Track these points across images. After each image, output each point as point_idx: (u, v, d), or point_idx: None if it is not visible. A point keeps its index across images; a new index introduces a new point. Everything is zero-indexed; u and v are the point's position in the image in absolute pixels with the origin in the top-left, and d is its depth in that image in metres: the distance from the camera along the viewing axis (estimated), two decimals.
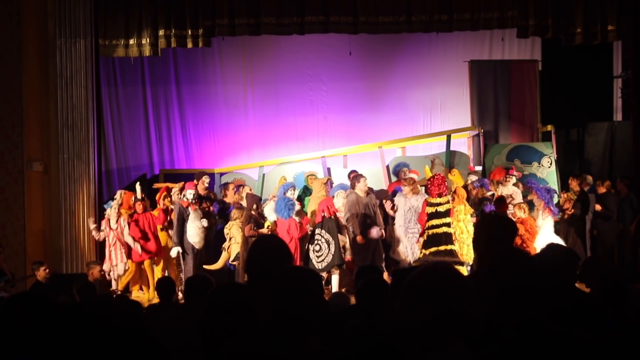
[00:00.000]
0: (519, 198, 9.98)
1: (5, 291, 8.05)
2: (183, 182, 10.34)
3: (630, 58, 11.40)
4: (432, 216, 9.07)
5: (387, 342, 2.15)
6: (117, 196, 9.93)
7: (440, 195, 9.11)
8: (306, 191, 11.08)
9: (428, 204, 9.16)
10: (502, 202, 9.48)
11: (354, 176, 9.71)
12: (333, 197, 9.71)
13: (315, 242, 9.17)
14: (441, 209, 9.06)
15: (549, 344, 2.12)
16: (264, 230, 9.25)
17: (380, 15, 11.15)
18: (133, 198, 9.88)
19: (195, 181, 9.87)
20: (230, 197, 10.32)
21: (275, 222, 9.36)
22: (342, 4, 11.10)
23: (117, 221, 9.64)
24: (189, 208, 9.42)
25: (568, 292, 2.92)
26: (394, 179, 11.48)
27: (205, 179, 10.02)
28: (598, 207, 10.37)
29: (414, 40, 13.41)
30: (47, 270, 8.29)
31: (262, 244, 3.31)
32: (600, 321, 2.86)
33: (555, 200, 10.42)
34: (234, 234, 9.53)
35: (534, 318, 2.17)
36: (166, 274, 9.75)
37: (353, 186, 9.50)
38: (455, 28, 11.32)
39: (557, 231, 10.48)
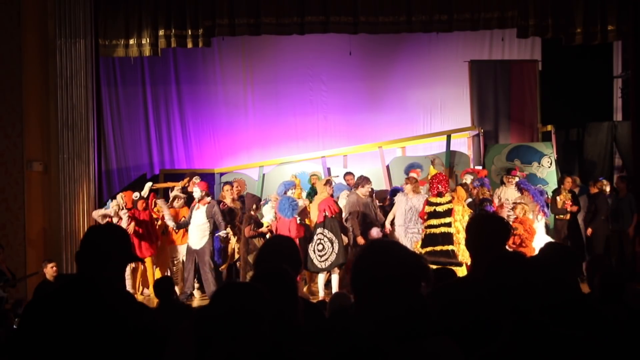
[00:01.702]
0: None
1: (5, 291, 8.04)
2: (187, 179, 10.34)
3: (630, 58, 11.39)
4: (430, 216, 9.04)
5: (364, 340, 2.14)
6: (119, 199, 9.90)
7: (439, 195, 9.09)
8: (312, 191, 11.09)
9: (428, 203, 9.14)
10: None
11: (360, 178, 9.73)
12: (335, 197, 9.73)
13: (318, 241, 9.17)
14: (440, 209, 9.02)
15: (548, 345, 2.12)
16: (264, 230, 9.26)
17: (380, 15, 11.14)
18: (136, 195, 9.89)
19: (187, 182, 9.87)
20: (228, 199, 10.32)
21: (274, 222, 9.36)
22: (342, 4, 11.10)
23: (118, 221, 9.64)
24: (194, 207, 9.44)
25: (566, 292, 2.91)
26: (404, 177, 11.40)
27: (196, 180, 10.03)
28: (589, 231, 10.42)
29: (414, 40, 13.41)
30: (55, 268, 8.24)
31: (272, 244, 3.34)
32: (597, 321, 2.86)
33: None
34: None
35: (532, 318, 2.17)
36: (167, 274, 9.76)
37: (357, 187, 9.53)
38: (455, 28, 11.31)
39: (558, 232, 10.50)
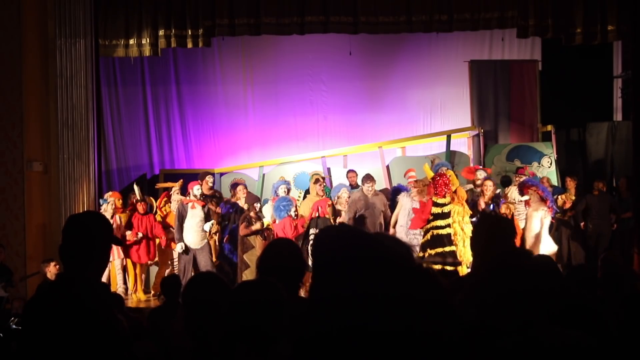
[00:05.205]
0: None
1: (5, 291, 8.03)
2: (182, 180, 10.35)
3: (630, 58, 11.39)
4: (437, 217, 8.98)
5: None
6: (109, 199, 9.93)
7: (444, 196, 9.08)
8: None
9: (434, 204, 9.08)
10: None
11: (364, 176, 9.81)
12: (330, 197, 9.78)
13: None
14: (446, 209, 9.02)
15: (548, 347, 2.12)
16: (258, 228, 9.23)
17: (380, 15, 11.15)
18: (134, 199, 9.89)
19: (199, 181, 9.90)
20: (242, 199, 10.31)
21: (273, 221, 9.37)
22: (342, 4, 11.10)
23: (112, 218, 9.63)
24: (188, 206, 9.39)
25: (566, 295, 2.91)
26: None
27: (209, 179, 10.03)
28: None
29: (414, 40, 13.40)
30: (58, 267, 8.19)
31: (275, 246, 3.36)
32: (597, 324, 2.86)
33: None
34: None
35: (533, 321, 2.17)
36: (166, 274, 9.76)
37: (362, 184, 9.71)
38: (455, 28, 11.32)
39: (560, 233, 10.48)
